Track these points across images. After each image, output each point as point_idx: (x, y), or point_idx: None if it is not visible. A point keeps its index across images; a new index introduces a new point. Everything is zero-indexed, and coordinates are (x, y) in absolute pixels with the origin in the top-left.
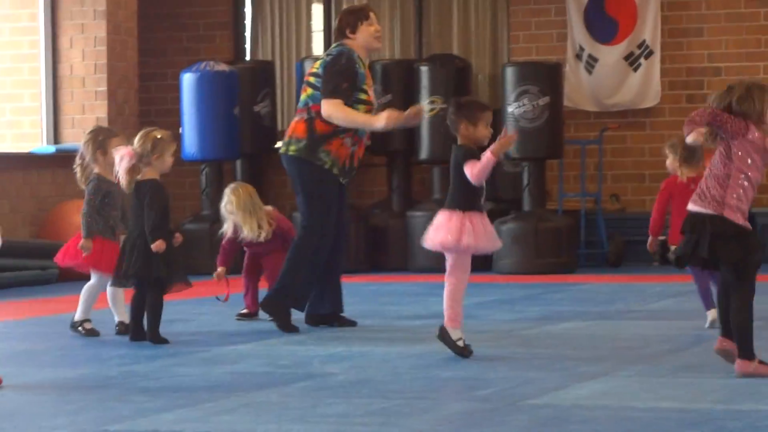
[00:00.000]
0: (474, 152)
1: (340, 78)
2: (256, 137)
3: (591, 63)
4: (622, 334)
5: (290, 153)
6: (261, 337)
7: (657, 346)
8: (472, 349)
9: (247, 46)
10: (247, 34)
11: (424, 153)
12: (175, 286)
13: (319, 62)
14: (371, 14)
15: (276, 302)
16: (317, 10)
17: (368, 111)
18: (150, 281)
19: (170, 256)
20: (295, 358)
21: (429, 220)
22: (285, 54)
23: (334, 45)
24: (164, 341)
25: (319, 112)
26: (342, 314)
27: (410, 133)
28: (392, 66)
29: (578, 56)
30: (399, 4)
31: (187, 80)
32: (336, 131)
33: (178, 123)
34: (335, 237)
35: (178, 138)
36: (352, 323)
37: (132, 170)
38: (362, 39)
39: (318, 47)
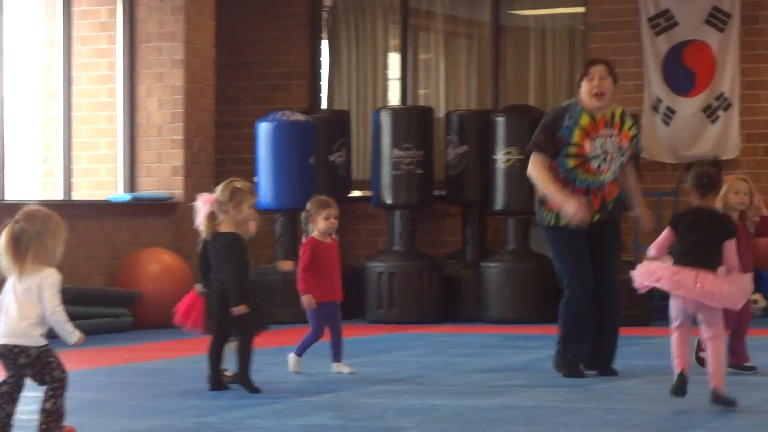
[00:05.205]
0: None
1: (540, 131)
2: (332, 187)
3: (668, 115)
4: (697, 389)
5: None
6: (333, 389)
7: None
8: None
9: (323, 95)
10: (324, 83)
11: (499, 204)
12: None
13: None
14: (592, 69)
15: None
16: (394, 60)
17: (579, 164)
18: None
19: (256, 303)
20: (368, 410)
21: (503, 270)
22: (361, 103)
23: None
24: (256, 390)
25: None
26: (606, 365)
27: (485, 184)
28: (468, 116)
29: (655, 108)
30: (476, 54)
31: (263, 129)
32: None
33: (253, 172)
34: (598, 287)
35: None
36: (612, 372)
37: (210, 217)
38: (583, 95)
39: (394, 97)
